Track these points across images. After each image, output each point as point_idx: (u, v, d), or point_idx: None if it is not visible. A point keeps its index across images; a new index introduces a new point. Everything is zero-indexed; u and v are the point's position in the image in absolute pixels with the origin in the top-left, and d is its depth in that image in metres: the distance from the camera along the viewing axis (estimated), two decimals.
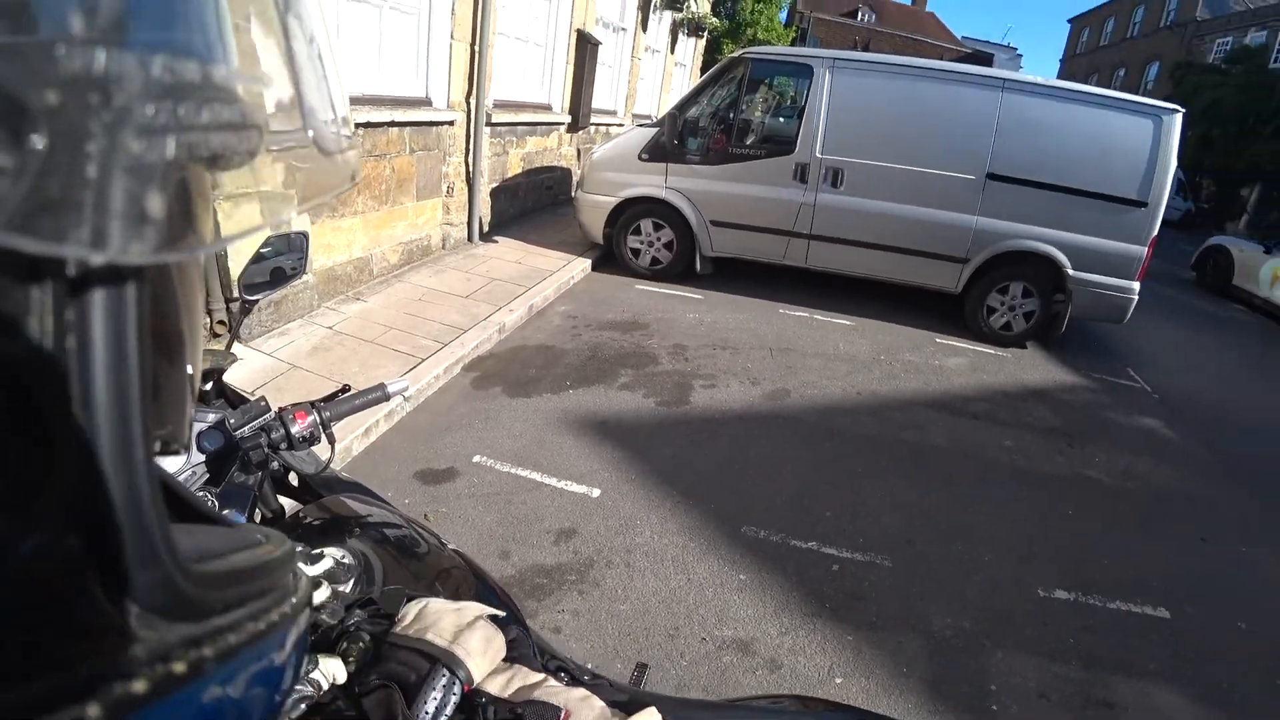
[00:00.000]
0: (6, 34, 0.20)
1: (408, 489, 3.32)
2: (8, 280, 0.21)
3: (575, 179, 9.24)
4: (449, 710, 0.92)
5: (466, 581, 1.14)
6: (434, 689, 0.92)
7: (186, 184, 0.25)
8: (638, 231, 6.68)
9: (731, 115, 6.48)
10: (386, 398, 1.31)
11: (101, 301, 0.23)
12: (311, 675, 0.86)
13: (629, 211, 6.62)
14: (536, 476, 3.49)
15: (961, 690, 2.63)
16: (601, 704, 0.93)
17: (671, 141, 6.40)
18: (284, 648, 0.36)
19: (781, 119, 6.73)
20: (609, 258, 7.01)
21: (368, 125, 5.19)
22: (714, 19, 15.12)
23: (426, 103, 6.13)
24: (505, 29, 7.22)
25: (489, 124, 6.94)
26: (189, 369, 0.37)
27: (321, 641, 0.89)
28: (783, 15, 26.42)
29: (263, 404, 1.19)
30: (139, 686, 0.26)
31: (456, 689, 0.94)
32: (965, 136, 6.08)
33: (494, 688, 0.97)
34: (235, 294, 1.61)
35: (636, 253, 6.76)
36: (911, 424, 4.65)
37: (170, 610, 0.28)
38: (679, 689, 2.40)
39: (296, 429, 1.17)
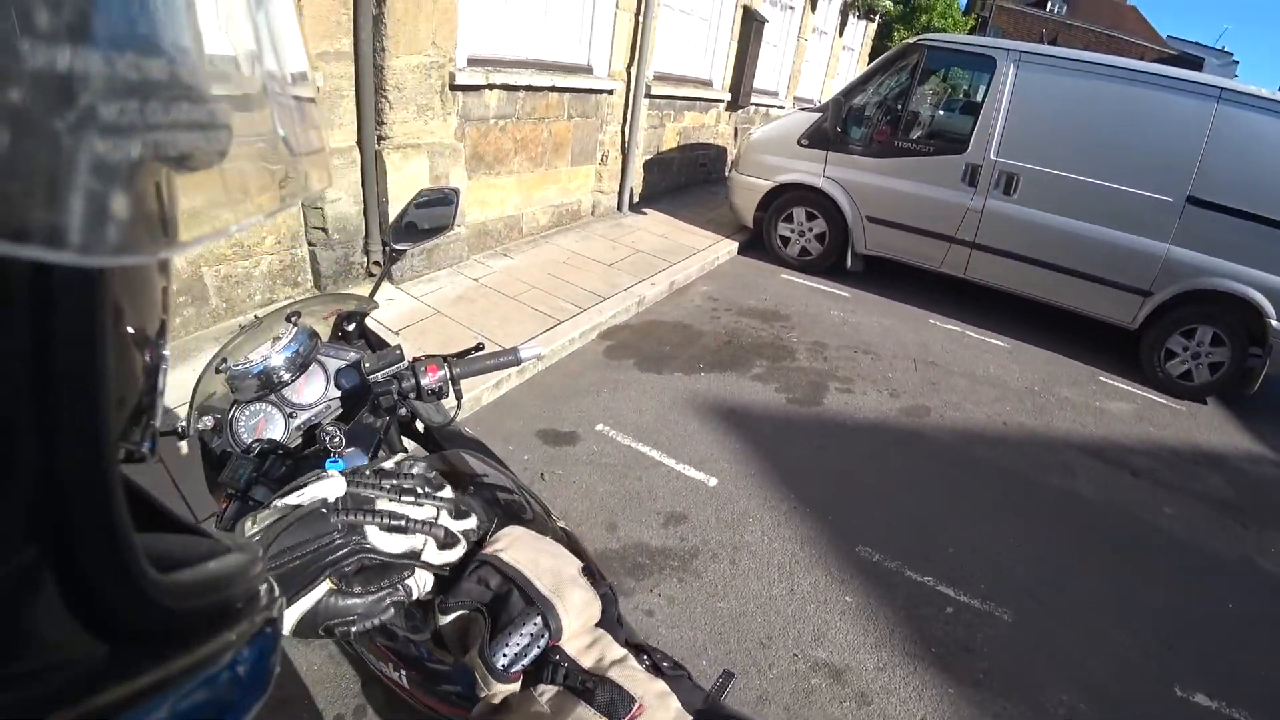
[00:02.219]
0: None
1: (529, 446, 3.38)
2: None
3: (730, 159, 9.11)
4: (527, 660, 0.90)
5: None
6: (521, 633, 0.90)
7: (151, 184, 0.25)
8: (789, 219, 6.49)
9: (900, 106, 6.10)
10: (518, 362, 1.33)
11: (66, 305, 0.23)
12: (406, 581, 0.85)
13: (783, 197, 6.43)
14: (656, 455, 3.47)
15: None
16: (678, 706, 0.89)
17: (834, 128, 6.12)
18: (256, 658, 0.37)
19: (955, 114, 6.30)
20: (756, 242, 6.86)
21: (529, 89, 5.29)
22: (887, 2, 14.34)
23: (588, 70, 6.16)
24: (670, 0, 7.13)
25: (648, 95, 6.92)
26: (160, 369, 0.37)
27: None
28: (962, 2, 24.83)
29: (398, 352, 1.22)
30: (106, 699, 0.26)
31: (543, 642, 0.91)
32: (1166, 151, 5.36)
33: (574, 650, 0.94)
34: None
35: (786, 241, 6.58)
36: (1059, 467, 4.23)
37: (138, 623, 0.28)
38: (760, 701, 2.32)
39: (426, 381, 1.20)
